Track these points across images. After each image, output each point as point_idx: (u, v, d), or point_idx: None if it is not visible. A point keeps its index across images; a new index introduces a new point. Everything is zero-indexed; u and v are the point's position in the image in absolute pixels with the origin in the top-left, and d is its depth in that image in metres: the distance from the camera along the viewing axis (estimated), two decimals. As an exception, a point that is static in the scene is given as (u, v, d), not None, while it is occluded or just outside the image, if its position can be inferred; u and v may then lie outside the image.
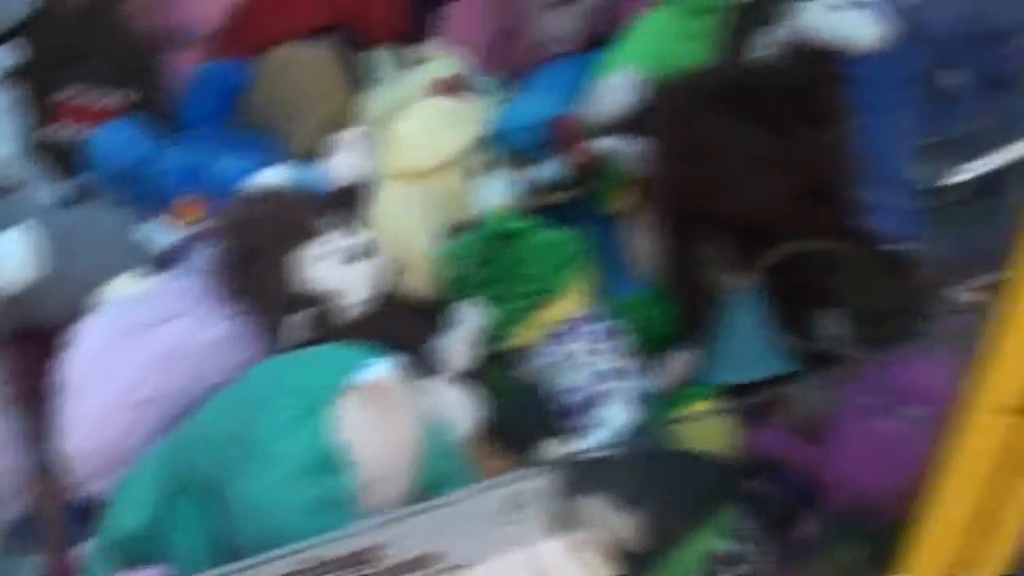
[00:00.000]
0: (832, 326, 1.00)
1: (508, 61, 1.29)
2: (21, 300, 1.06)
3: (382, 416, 0.88)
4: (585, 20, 1.24)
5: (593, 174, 1.13)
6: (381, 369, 0.87)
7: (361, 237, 1.10)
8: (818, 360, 1.00)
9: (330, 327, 1.05)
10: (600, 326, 1.08)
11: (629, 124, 1.05)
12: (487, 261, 1.08)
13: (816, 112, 0.95)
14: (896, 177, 1.00)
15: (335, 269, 1.08)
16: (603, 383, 1.05)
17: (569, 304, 1.08)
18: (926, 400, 0.87)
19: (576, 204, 1.16)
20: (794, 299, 1.00)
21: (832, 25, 0.98)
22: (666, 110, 1.00)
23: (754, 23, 1.03)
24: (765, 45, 1.01)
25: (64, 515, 1.01)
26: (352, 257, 1.08)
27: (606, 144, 1.09)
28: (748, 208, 0.98)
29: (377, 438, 0.87)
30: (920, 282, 0.98)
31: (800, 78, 0.97)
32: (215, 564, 0.82)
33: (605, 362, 1.05)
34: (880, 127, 0.98)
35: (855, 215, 1.00)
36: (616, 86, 1.08)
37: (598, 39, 1.21)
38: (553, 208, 1.16)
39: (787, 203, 0.97)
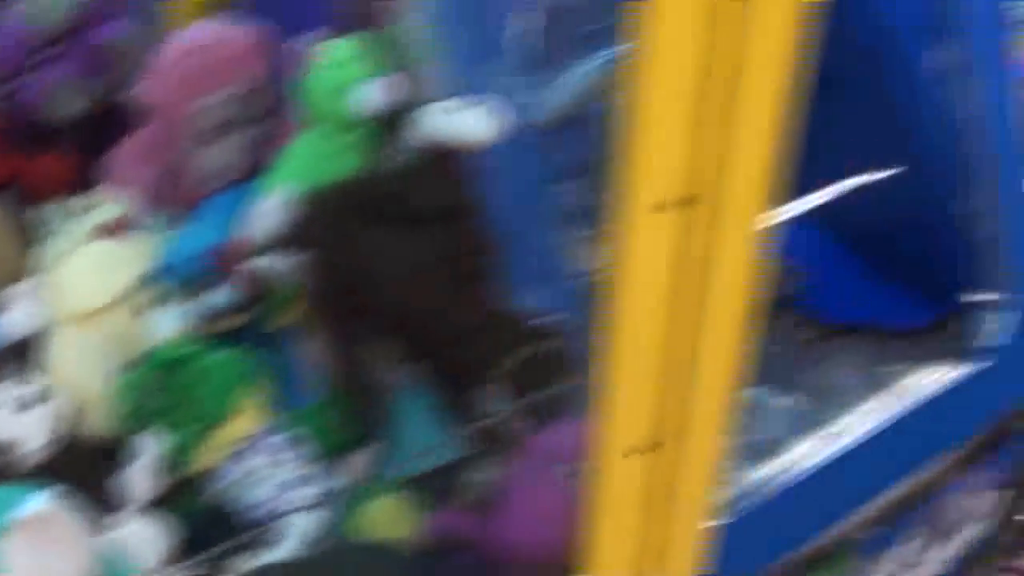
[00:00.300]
0: (494, 403, 1.07)
1: (174, 197, 1.33)
2: None
3: (48, 551, 0.88)
4: (244, 151, 1.30)
5: (261, 294, 1.17)
6: (41, 503, 0.88)
7: (35, 385, 1.12)
8: (487, 437, 1.06)
9: (11, 474, 1.05)
10: (279, 438, 1.11)
11: (285, 241, 1.10)
12: (160, 390, 1.10)
13: (450, 207, 1.04)
14: (536, 256, 1.10)
15: (10, 419, 1.09)
16: (288, 493, 1.08)
17: (246, 422, 1.11)
18: (575, 457, 0.94)
19: (251, 324, 1.20)
20: (457, 384, 1.07)
21: (452, 126, 1.07)
22: (315, 223, 1.06)
23: (391, 133, 1.11)
24: (401, 152, 1.10)
25: None
26: (26, 405, 1.09)
27: (267, 263, 1.14)
28: (401, 306, 1.05)
29: (43, 573, 0.88)
30: (567, 352, 1.06)
31: (431, 178, 1.05)
32: None
33: (288, 472, 1.09)
34: (515, 211, 1.08)
35: (502, 296, 1.08)
36: (271, 207, 1.14)
37: (259, 167, 1.27)
38: (230, 332, 1.20)
39: (436, 295, 1.04)
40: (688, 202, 0.75)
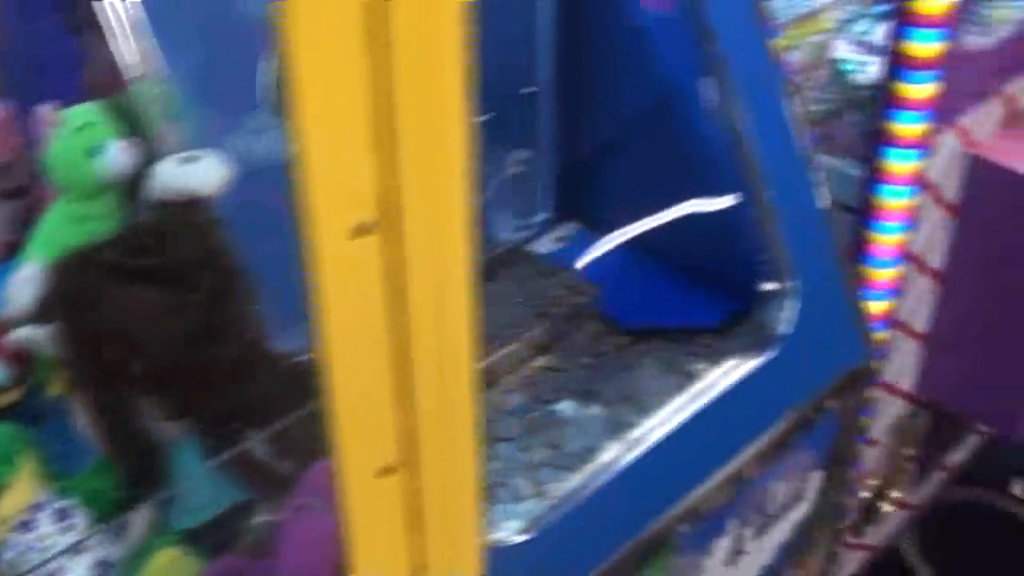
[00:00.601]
0: (264, 446, 1.08)
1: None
2: None
3: None
4: (2, 227, 1.30)
5: (28, 367, 1.17)
6: None
7: None
8: (260, 480, 1.08)
9: None
10: (57, 506, 1.11)
11: (38, 312, 1.11)
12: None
13: (193, 257, 1.05)
14: (288, 295, 1.11)
15: None
16: (69, 560, 1.08)
17: (21, 494, 1.11)
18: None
19: (26, 398, 1.20)
20: (226, 431, 1.08)
21: (187, 177, 1.09)
22: (62, 291, 1.06)
23: (133, 192, 1.13)
24: (143, 209, 1.11)
25: None
26: None
27: (27, 335, 1.14)
28: (156, 361, 1.06)
29: None
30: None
31: (171, 230, 1.06)
32: None
33: (67, 539, 1.09)
34: (261, 253, 1.09)
35: (260, 338, 1.10)
36: (24, 279, 1.14)
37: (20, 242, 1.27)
38: (7, 409, 1.20)
39: (190, 346, 1.05)
40: (374, 227, 0.77)
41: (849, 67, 2.09)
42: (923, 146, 1.72)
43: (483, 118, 1.63)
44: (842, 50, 2.15)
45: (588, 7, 1.70)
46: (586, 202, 1.86)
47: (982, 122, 1.98)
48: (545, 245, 1.85)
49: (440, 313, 0.84)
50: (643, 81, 1.67)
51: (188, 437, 1.10)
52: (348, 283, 0.79)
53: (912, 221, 1.82)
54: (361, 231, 0.78)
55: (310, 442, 1.05)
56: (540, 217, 1.86)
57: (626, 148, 1.77)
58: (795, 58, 2.03)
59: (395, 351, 0.84)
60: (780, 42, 1.88)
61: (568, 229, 1.88)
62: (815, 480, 1.74)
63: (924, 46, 1.61)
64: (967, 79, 1.90)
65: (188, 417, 1.09)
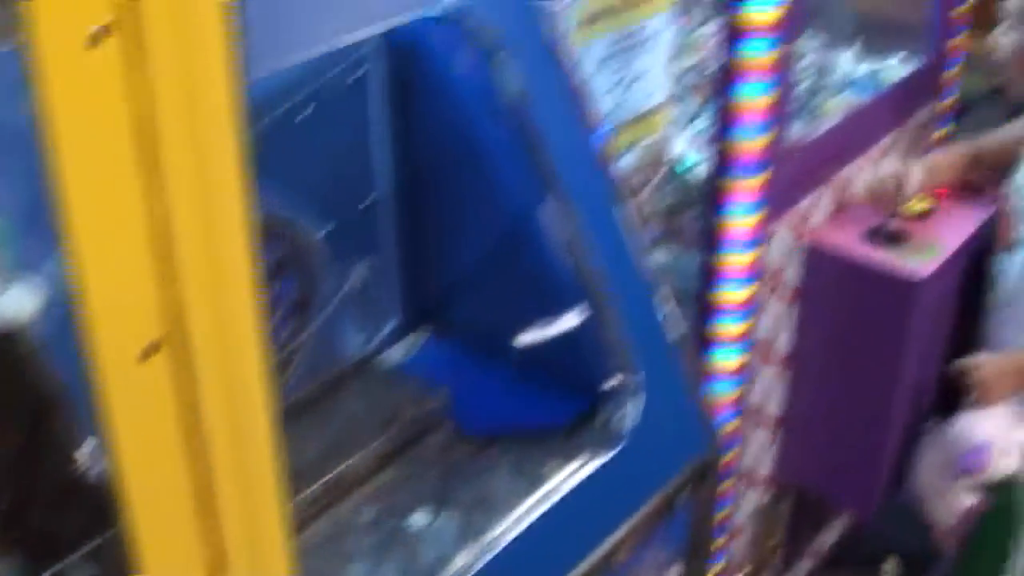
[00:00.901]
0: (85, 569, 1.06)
1: None
2: None
3: None
4: None
5: None
6: None
7: None
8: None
9: None
10: None
11: None
12: None
13: (11, 387, 1.04)
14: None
15: None
16: None
17: None
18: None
19: None
20: (44, 553, 1.06)
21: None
22: None
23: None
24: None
25: None
26: None
27: None
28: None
29: None
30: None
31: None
32: None
33: None
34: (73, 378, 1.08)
35: (76, 465, 1.08)
36: None
37: None
38: None
39: (10, 471, 1.03)
40: (161, 345, 0.77)
41: (687, 164, 2.17)
42: (757, 237, 1.78)
43: (324, 231, 1.65)
44: (680, 148, 2.23)
45: (420, 117, 1.74)
46: (435, 309, 1.88)
47: (815, 210, 2.06)
48: (394, 354, 1.85)
49: (236, 428, 0.84)
50: (480, 187, 1.71)
51: (5, 561, 1.07)
52: (139, 405, 0.78)
53: (753, 310, 1.87)
54: (149, 352, 0.78)
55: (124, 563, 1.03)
56: (389, 327, 1.87)
57: (470, 254, 1.80)
58: (632, 159, 2.10)
59: (192, 472, 0.84)
60: (614, 144, 1.95)
61: (418, 337, 1.89)
62: (673, 572, 1.76)
63: (748, 142, 1.68)
64: (797, 169, 1.98)
65: (4, 542, 1.06)
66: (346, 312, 1.81)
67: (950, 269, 2.04)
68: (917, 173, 2.04)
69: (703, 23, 2.40)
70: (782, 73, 1.66)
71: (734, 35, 1.62)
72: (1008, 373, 2.00)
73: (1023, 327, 2.03)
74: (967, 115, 4.09)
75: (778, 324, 2.05)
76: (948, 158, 2.14)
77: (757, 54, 1.61)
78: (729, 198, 1.72)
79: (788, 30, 1.64)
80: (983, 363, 2.02)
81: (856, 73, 2.43)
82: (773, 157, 1.74)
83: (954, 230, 2.08)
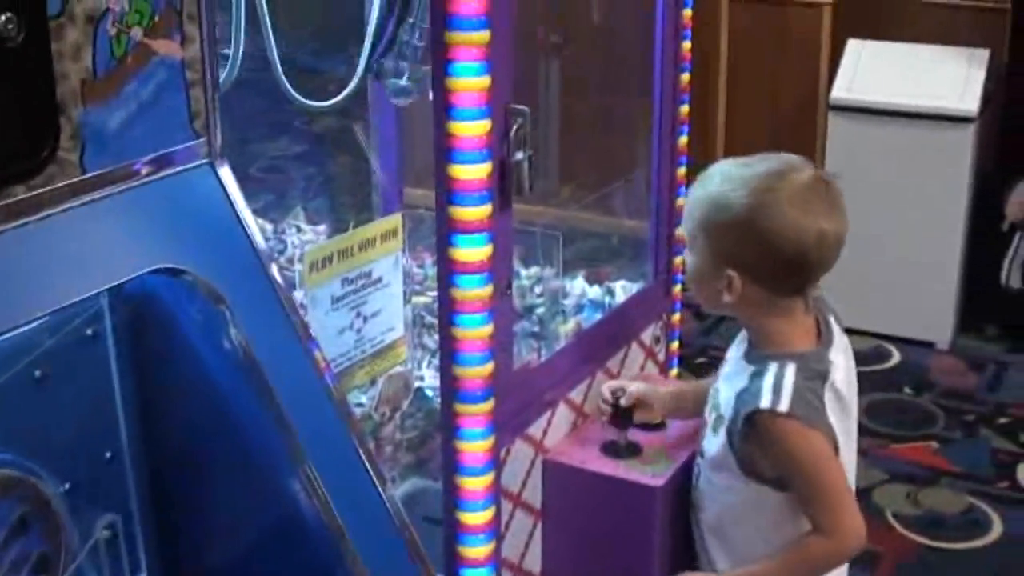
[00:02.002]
0: None
1: None
2: None
3: None
4: None
5: None
6: None
7: None
8: None
9: None
10: None
11: None
12: None
13: None
14: None
15: None
16: None
17: None
18: None
19: None
20: None
21: None
22: None
23: None
24: None
25: None
26: None
27: None
28: None
29: None
30: None
31: None
32: None
33: None
34: None
35: None
36: None
37: None
38: None
39: None
40: None
41: (431, 393, 2.32)
42: (491, 460, 1.93)
43: (67, 485, 1.71)
44: (427, 377, 2.39)
45: (159, 368, 1.83)
46: (186, 563, 1.93)
47: (552, 428, 2.23)
48: (143, 610, 1.89)
49: None
50: (220, 438, 1.80)
51: None
52: None
53: (498, 530, 2.00)
54: None
55: None
56: (135, 582, 1.91)
57: (214, 505, 1.88)
58: (378, 390, 2.23)
59: None
60: (355, 379, 2.08)
61: (167, 590, 1.93)
62: None
63: (471, 369, 1.84)
64: (530, 392, 2.15)
65: None
66: (95, 567, 1.85)
67: (687, 473, 2.21)
68: (636, 385, 2.23)
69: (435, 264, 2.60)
70: (496, 306, 1.84)
71: (449, 273, 1.79)
72: None
73: (721, 536, 2.09)
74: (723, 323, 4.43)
75: (525, 543, 2.18)
76: (658, 393, 2.28)
77: (471, 290, 1.79)
78: (460, 424, 1.87)
79: (497, 268, 1.83)
80: None
81: (588, 296, 2.66)
82: (500, 382, 1.90)
83: (685, 440, 2.27)
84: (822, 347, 1.97)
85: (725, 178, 1.94)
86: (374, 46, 2.23)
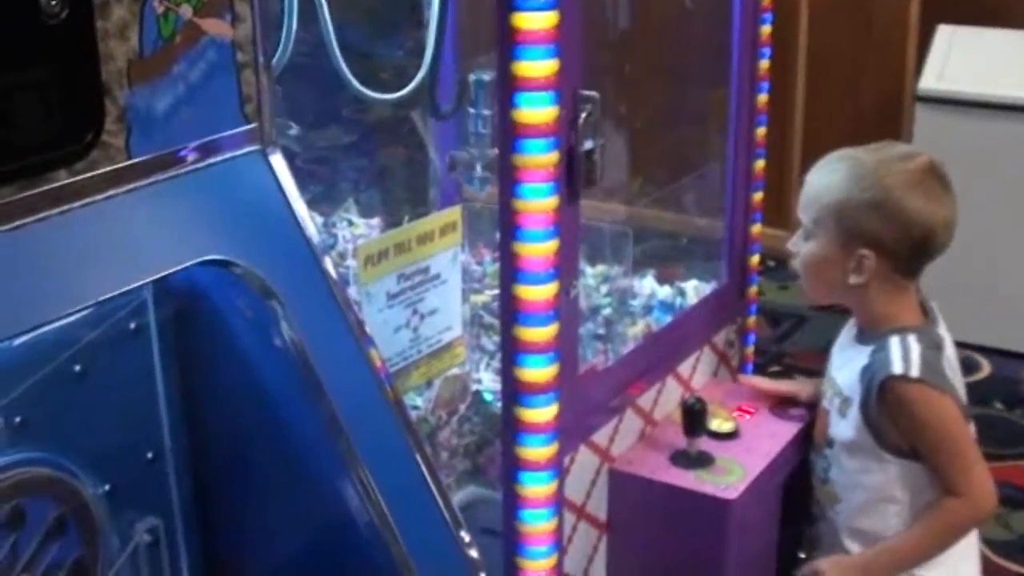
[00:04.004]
0: None
1: None
2: None
3: None
4: None
5: None
6: None
7: None
8: None
9: None
10: None
11: None
12: None
13: None
14: None
15: None
16: None
17: None
18: None
19: None
20: None
21: None
22: None
23: None
24: None
25: None
26: None
27: None
28: None
29: None
30: None
31: None
32: None
33: None
34: None
35: None
36: None
37: None
38: None
39: None
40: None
41: (489, 396, 2.31)
42: (555, 467, 1.91)
43: (107, 486, 1.72)
44: (485, 379, 2.38)
45: (204, 363, 1.84)
46: (230, 568, 1.94)
47: (619, 436, 2.21)
48: (186, 618, 1.89)
49: None
50: (268, 440, 1.80)
51: None
52: None
53: (560, 543, 1.99)
54: None
55: None
56: (180, 588, 1.92)
57: (260, 509, 1.88)
58: (434, 393, 2.23)
59: None
60: (411, 380, 2.08)
61: (211, 598, 1.94)
62: None
63: (534, 371, 1.83)
64: (596, 396, 2.13)
65: None
66: (134, 572, 1.86)
67: (763, 485, 2.19)
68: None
69: (495, 260, 2.60)
70: (561, 305, 1.82)
71: (512, 270, 1.78)
72: (852, 573, 2.17)
73: (855, 524, 2.21)
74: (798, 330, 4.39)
75: (588, 556, 2.17)
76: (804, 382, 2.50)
77: (535, 287, 1.77)
78: (523, 428, 1.85)
79: (563, 264, 1.82)
80: (826, 568, 2.19)
81: (658, 296, 2.63)
82: (565, 385, 1.88)
83: (761, 450, 2.25)
84: (931, 323, 2.18)
85: (856, 163, 2.16)
86: (439, 34, 2.22)
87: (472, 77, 2.26)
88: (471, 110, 2.27)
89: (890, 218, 2.08)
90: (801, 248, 2.25)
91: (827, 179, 2.16)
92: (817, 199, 2.16)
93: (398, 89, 2.31)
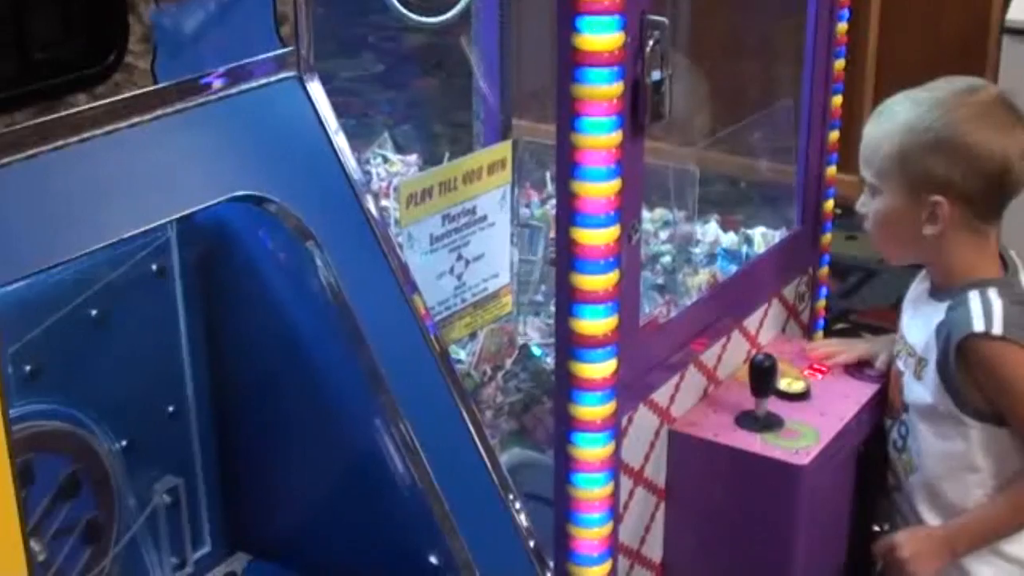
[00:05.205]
0: None
1: None
2: None
3: None
4: None
5: None
6: None
7: None
8: None
9: None
10: None
11: None
12: None
13: None
14: None
15: None
16: None
17: None
18: None
19: None
20: None
21: None
22: None
23: None
24: None
25: None
26: None
27: None
28: None
29: None
30: None
31: None
32: None
33: None
34: None
35: None
36: None
37: None
38: None
39: None
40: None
41: (538, 351, 2.29)
42: (612, 427, 1.89)
43: (125, 441, 1.70)
44: (532, 331, 2.35)
45: (231, 311, 1.82)
46: (254, 530, 1.93)
47: (680, 395, 2.18)
48: (210, 583, 1.89)
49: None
50: (301, 392, 1.79)
51: None
52: None
53: (615, 510, 1.96)
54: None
55: None
56: (201, 551, 1.91)
57: (291, 468, 1.87)
58: (479, 344, 2.20)
59: None
60: (456, 330, 2.06)
61: (236, 563, 1.93)
62: None
63: (592, 322, 1.80)
64: (656, 352, 2.10)
65: None
66: (152, 535, 1.85)
67: (836, 451, 2.16)
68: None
69: (545, 201, 2.56)
70: (623, 252, 1.79)
71: (570, 211, 1.75)
72: (932, 547, 2.15)
73: (934, 495, 2.18)
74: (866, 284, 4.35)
75: (645, 525, 2.15)
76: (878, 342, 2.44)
77: (595, 231, 1.74)
78: (577, 384, 1.82)
79: (626, 206, 1.78)
80: (904, 541, 2.16)
81: (722, 244, 2.60)
82: (624, 339, 1.85)
83: (834, 412, 2.22)
84: (1011, 274, 2.13)
85: (913, 104, 2.10)
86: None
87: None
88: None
89: (957, 156, 2.02)
90: (865, 209, 2.20)
91: (885, 127, 2.10)
92: (877, 150, 2.11)
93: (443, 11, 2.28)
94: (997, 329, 2.02)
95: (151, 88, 1.46)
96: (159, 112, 1.48)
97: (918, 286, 2.28)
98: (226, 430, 1.88)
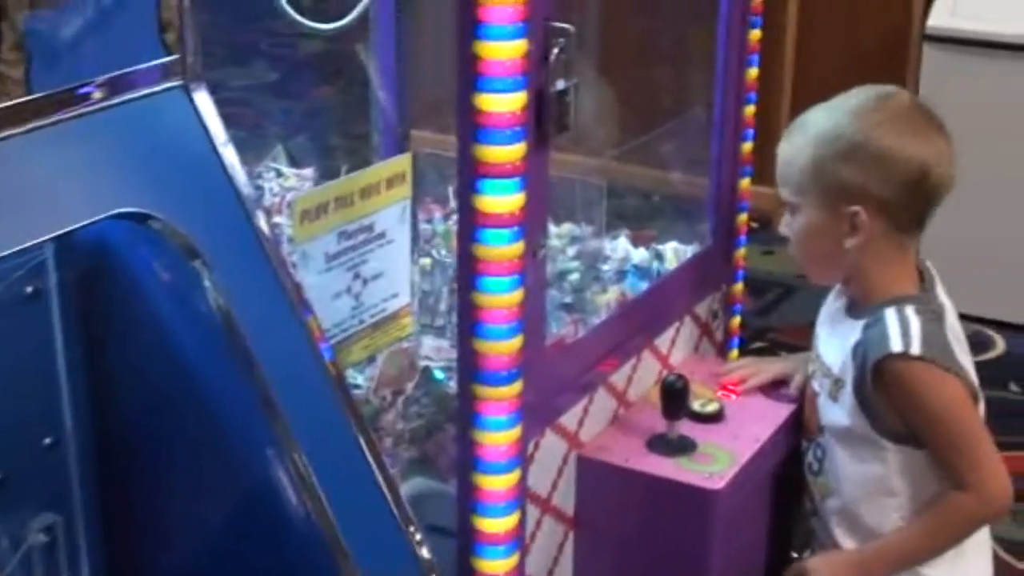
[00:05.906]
0: None
1: None
2: None
3: None
4: None
5: None
6: None
7: None
8: None
9: None
10: None
11: None
12: None
13: None
14: None
15: None
16: None
17: None
18: None
19: None
20: None
21: None
22: None
23: None
24: None
25: None
26: None
27: None
28: None
29: None
30: None
31: None
32: None
33: None
34: None
35: None
36: None
37: None
38: None
39: None
40: None
41: (440, 374, 2.30)
42: (517, 454, 1.91)
43: (-1, 477, 1.68)
44: (433, 354, 2.37)
45: (114, 334, 1.81)
46: (138, 569, 1.92)
47: (589, 418, 2.21)
48: (89, 626, 1.88)
49: None
50: (187, 417, 1.79)
51: None
52: None
53: (522, 541, 1.98)
54: None
55: None
56: (82, 591, 1.90)
57: (177, 501, 1.86)
58: (377, 369, 2.21)
59: None
60: (352, 353, 2.06)
61: (118, 602, 1.92)
62: None
63: (495, 343, 1.82)
64: (563, 373, 2.13)
65: None
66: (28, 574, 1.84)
67: (751, 474, 2.20)
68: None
69: (448, 217, 2.58)
70: (528, 268, 1.81)
71: (472, 226, 1.77)
72: (847, 572, 2.18)
73: (851, 519, 2.21)
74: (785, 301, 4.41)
75: (554, 555, 2.17)
76: (794, 360, 2.47)
77: (498, 247, 1.76)
78: (479, 410, 1.84)
79: (531, 221, 1.81)
80: (817, 566, 2.20)
81: (632, 260, 2.63)
82: (529, 360, 1.88)
83: (749, 434, 2.25)
84: (928, 289, 2.15)
85: (825, 114, 2.14)
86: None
87: None
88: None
89: (871, 163, 2.05)
90: (792, 227, 2.21)
91: (797, 141, 2.13)
92: (791, 164, 2.14)
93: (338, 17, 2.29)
94: (915, 349, 2.03)
95: (25, 99, 1.45)
96: (34, 124, 1.47)
97: (833, 303, 2.30)
98: (108, 462, 1.86)
